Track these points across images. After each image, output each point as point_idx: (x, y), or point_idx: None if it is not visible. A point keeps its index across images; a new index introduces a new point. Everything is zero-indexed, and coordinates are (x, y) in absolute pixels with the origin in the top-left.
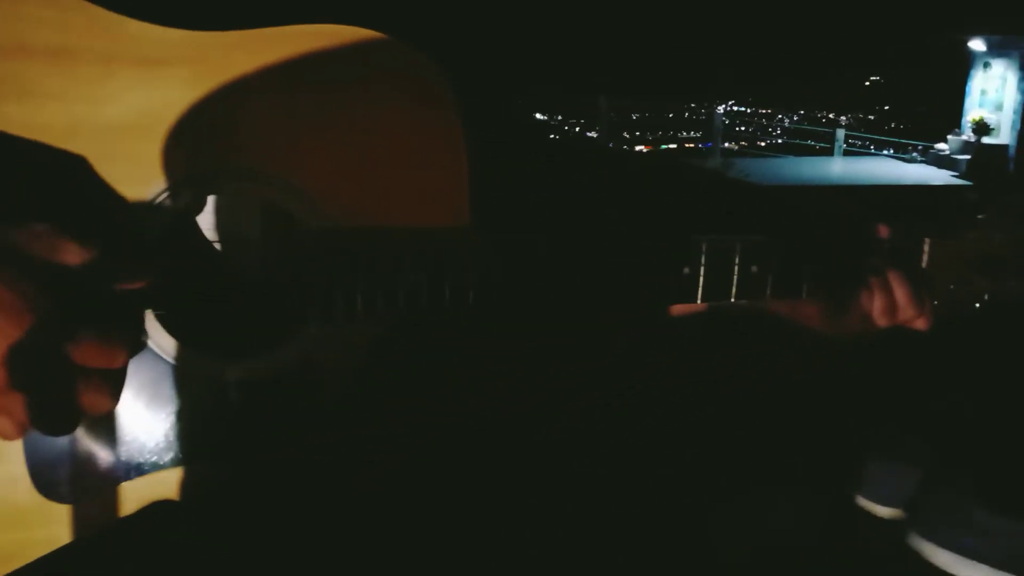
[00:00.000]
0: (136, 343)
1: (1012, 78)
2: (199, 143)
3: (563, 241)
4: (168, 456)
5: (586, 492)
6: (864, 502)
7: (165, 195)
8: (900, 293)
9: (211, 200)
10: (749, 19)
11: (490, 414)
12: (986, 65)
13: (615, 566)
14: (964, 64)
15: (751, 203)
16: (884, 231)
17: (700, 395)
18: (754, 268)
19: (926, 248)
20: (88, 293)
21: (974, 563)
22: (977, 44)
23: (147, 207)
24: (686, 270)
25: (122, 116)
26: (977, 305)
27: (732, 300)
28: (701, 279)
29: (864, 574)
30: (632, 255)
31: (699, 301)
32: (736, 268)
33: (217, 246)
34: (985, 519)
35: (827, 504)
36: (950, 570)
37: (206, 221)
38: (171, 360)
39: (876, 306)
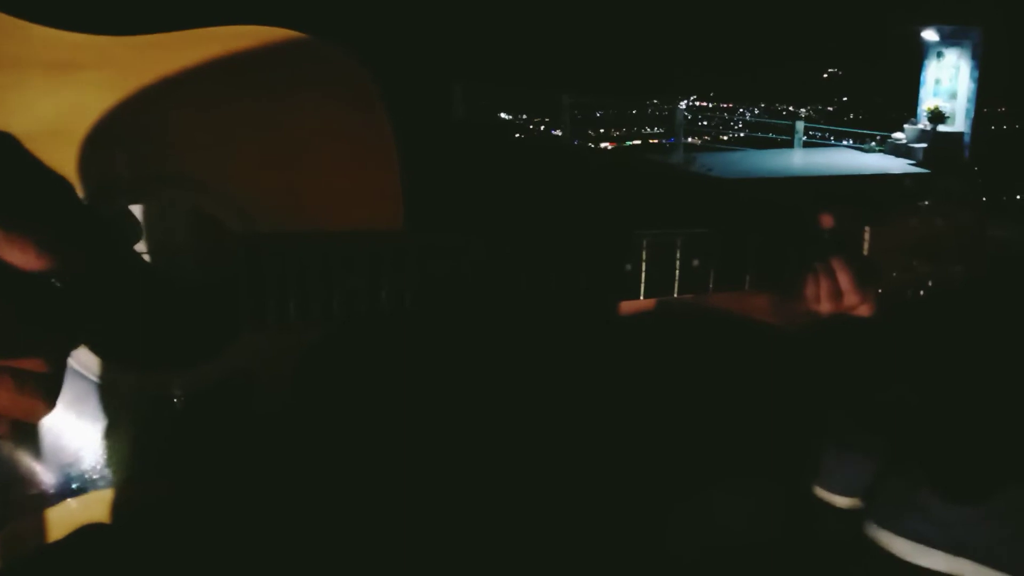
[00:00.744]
0: (67, 341)
1: (965, 67)
2: (119, 149)
3: (502, 241)
4: (98, 477)
5: (559, 494)
6: (822, 493)
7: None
8: (843, 279)
9: (137, 208)
10: (709, 15)
11: (446, 419)
12: (939, 55)
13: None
14: (918, 54)
15: (709, 197)
16: (827, 220)
17: (658, 392)
18: (696, 262)
19: (867, 236)
20: (13, 282)
21: (930, 550)
22: (930, 34)
23: None
24: (628, 267)
25: (37, 123)
26: (922, 292)
27: (676, 295)
28: (643, 275)
29: (823, 563)
30: (574, 253)
31: (642, 297)
32: (678, 262)
33: (146, 256)
34: (939, 507)
35: (786, 496)
36: (907, 558)
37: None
38: (95, 377)
39: (821, 292)
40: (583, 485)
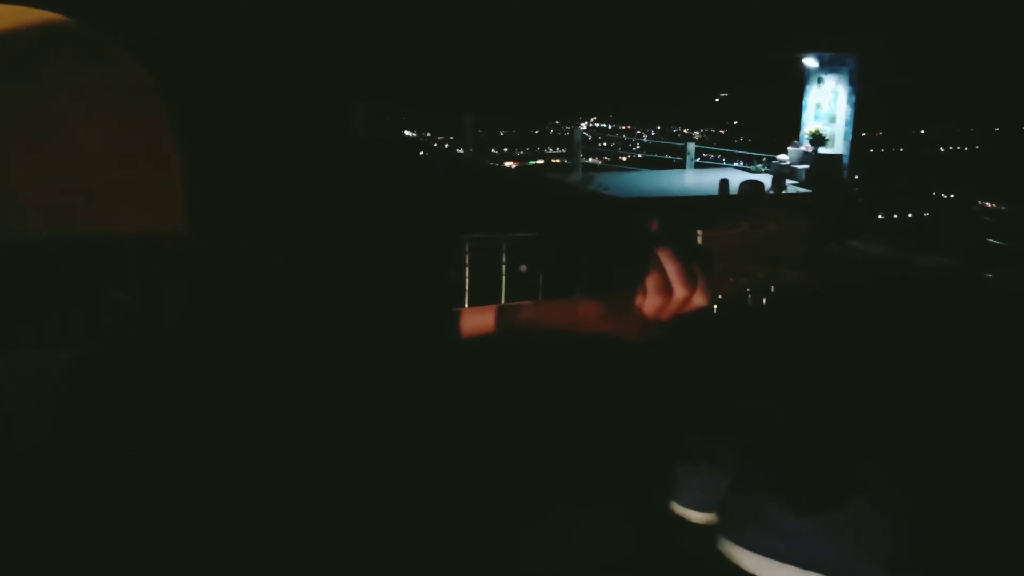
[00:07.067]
0: None
1: (843, 92)
2: None
3: (302, 244)
4: None
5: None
6: (678, 508)
7: None
8: (671, 269)
9: None
10: (608, 43)
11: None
12: (819, 80)
13: None
14: (801, 80)
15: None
16: (654, 225)
17: (508, 407)
18: (523, 267)
19: (699, 239)
20: None
21: (781, 564)
22: (810, 61)
23: None
24: (452, 273)
25: None
26: (764, 300)
27: (504, 302)
28: (467, 281)
29: None
30: (384, 258)
31: (467, 305)
32: (504, 268)
33: None
34: (788, 521)
35: (642, 512)
36: (759, 572)
37: None
38: None
39: (650, 287)
40: (431, 503)
